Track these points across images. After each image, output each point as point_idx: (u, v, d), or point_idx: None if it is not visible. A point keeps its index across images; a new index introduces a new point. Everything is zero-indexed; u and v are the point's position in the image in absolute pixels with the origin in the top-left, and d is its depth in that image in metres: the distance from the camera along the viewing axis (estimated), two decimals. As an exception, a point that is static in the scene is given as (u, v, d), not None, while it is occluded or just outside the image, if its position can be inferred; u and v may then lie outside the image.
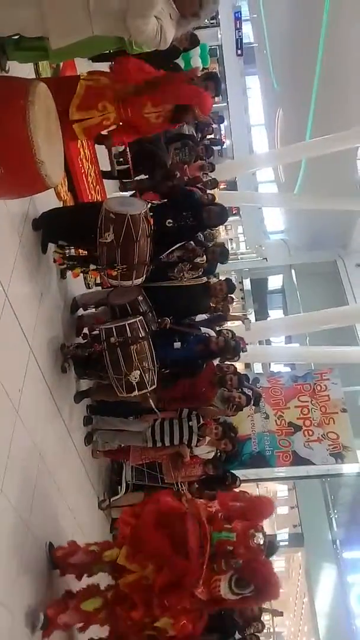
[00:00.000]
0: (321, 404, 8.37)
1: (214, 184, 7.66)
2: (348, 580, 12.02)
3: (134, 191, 6.63)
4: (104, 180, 6.34)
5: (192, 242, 4.75)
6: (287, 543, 13.97)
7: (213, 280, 5.43)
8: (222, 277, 6.62)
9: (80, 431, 5.23)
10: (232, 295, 5.42)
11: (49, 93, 3.08)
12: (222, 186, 15.97)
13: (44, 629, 3.41)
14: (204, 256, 4.80)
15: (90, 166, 5.76)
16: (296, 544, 13.55)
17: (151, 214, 4.42)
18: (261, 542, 3.50)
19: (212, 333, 5.39)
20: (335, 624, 11.76)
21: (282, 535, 14.41)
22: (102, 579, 3.87)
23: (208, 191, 6.93)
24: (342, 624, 11.66)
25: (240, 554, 3.46)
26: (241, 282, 16.98)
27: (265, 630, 7.27)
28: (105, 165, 5.88)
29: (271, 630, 11.96)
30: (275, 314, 18.46)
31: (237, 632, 5.41)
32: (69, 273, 4.91)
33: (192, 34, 5.81)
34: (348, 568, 12.22)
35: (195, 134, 8.04)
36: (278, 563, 16.12)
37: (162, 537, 3.51)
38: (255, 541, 3.49)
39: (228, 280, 5.18)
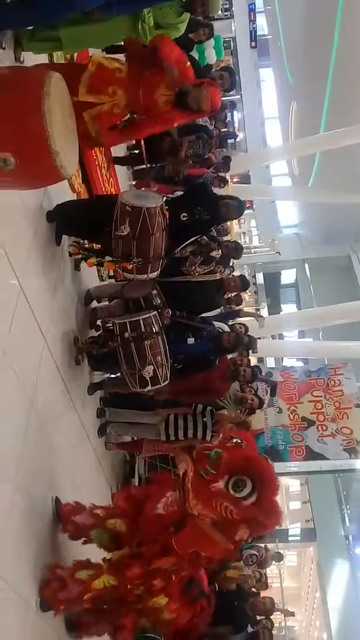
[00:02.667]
0: (335, 399, 8.32)
1: (227, 168, 7.62)
2: (360, 576, 12.00)
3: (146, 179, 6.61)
4: (116, 170, 6.33)
5: (205, 237, 4.72)
6: (299, 538, 13.96)
7: (226, 275, 5.41)
8: (236, 273, 6.63)
9: (93, 423, 5.24)
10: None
11: (64, 83, 3.06)
12: (235, 179, 15.91)
13: (45, 610, 3.32)
14: (219, 250, 4.77)
15: (104, 158, 5.74)
16: (308, 539, 13.54)
17: (166, 207, 4.39)
18: (239, 441, 3.35)
19: (226, 328, 5.37)
20: (347, 618, 11.74)
21: (294, 529, 14.40)
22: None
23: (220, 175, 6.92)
24: (354, 619, 11.65)
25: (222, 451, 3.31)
26: (254, 276, 16.92)
27: (276, 624, 7.31)
28: (117, 152, 5.83)
29: (282, 624, 11.95)
30: (288, 308, 18.38)
31: (249, 625, 5.43)
32: (83, 265, 4.91)
33: (209, 26, 5.74)
34: (360, 563, 12.20)
35: (209, 122, 8.00)
36: (290, 557, 16.15)
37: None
38: (233, 442, 3.37)
39: (242, 277, 5.16)
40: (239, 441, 3.31)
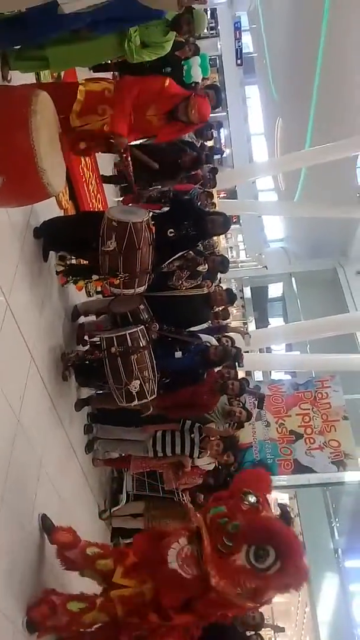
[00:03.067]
0: (322, 412, 8.35)
1: (214, 181, 7.70)
2: (350, 590, 11.93)
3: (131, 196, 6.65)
4: (104, 186, 6.38)
5: (191, 252, 4.75)
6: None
7: (213, 289, 5.44)
8: (222, 285, 6.67)
9: (81, 439, 5.22)
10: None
11: (51, 102, 3.10)
12: (222, 194, 16.04)
13: (32, 632, 3.23)
14: (205, 264, 4.81)
15: (91, 175, 5.79)
16: (298, 553, 13.46)
17: (152, 222, 4.43)
18: (254, 501, 3.10)
19: (213, 341, 5.39)
20: (337, 633, 11.65)
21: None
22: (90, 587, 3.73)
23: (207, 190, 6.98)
24: (345, 634, 11.57)
25: (237, 519, 3.07)
26: (241, 290, 17.00)
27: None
28: (104, 170, 5.89)
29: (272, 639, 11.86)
30: (275, 321, 18.46)
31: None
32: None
33: (194, 45, 5.84)
34: (350, 577, 12.13)
35: (195, 140, 8.09)
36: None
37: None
38: (247, 502, 3.10)
39: (228, 290, 5.19)
40: (254, 501, 3.10)
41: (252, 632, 5.16)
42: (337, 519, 12.98)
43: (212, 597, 2.98)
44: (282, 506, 3.41)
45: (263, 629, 5.53)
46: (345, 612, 11.57)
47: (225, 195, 18.07)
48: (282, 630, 6.14)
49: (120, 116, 3.88)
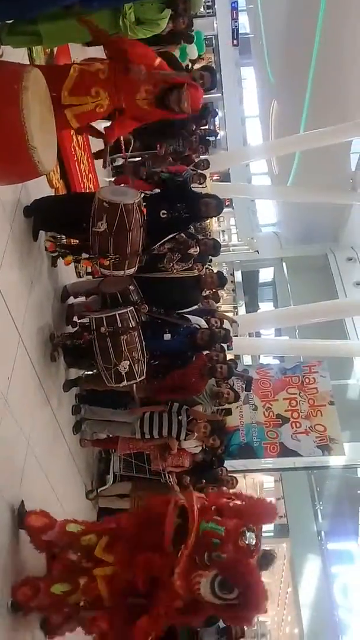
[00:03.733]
0: (309, 397, 8.42)
1: (206, 165, 7.64)
2: (332, 571, 12.17)
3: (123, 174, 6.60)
4: (95, 166, 6.31)
5: (183, 234, 4.73)
6: (272, 534, 14.09)
7: (204, 271, 5.43)
8: (213, 268, 6.65)
9: (69, 420, 5.22)
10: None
11: (43, 79, 3.05)
12: (215, 177, 15.94)
13: (16, 611, 3.26)
14: (197, 247, 4.79)
15: (83, 154, 5.72)
16: (281, 535, 13.67)
17: (144, 204, 4.40)
18: (252, 543, 3.12)
19: (203, 323, 5.39)
20: (318, 613, 11.90)
21: (268, 526, 14.53)
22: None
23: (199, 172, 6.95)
24: (325, 614, 11.82)
25: (227, 550, 3.09)
26: (232, 274, 16.99)
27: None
28: (97, 146, 5.80)
29: (255, 619, 12.08)
30: (265, 306, 18.50)
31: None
32: (60, 261, 4.89)
33: (189, 19, 5.74)
34: (332, 559, 12.37)
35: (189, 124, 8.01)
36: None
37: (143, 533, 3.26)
38: (245, 541, 3.11)
39: (219, 273, 5.19)
40: (252, 543, 3.11)
41: None
42: (320, 502, 13.19)
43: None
44: (266, 552, 3.40)
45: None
46: (327, 594, 11.80)
47: (218, 177, 17.97)
48: (265, 611, 6.26)
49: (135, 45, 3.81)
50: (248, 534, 3.11)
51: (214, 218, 7.74)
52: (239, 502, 3.43)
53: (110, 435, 5.61)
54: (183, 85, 4.01)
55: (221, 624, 5.69)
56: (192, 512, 3.18)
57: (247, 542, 3.10)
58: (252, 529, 3.14)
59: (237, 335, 8.65)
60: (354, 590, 11.64)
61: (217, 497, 3.53)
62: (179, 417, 5.15)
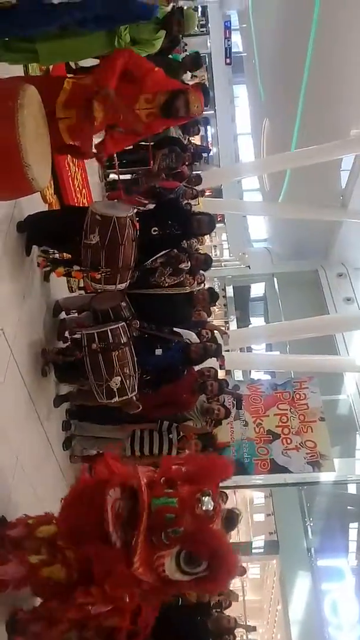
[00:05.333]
0: (300, 412, 8.44)
1: (199, 181, 7.71)
2: (322, 588, 12.06)
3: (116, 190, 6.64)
4: (89, 181, 6.36)
5: (175, 250, 4.76)
6: (262, 550, 14.01)
7: (195, 287, 5.46)
8: (206, 283, 6.69)
9: (58, 435, 5.20)
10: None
11: (39, 96, 3.08)
12: (207, 193, 16.04)
13: None
14: (188, 262, 4.82)
15: (76, 169, 5.76)
16: (271, 552, 13.58)
17: (137, 219, 4.43)
18: (210, 508, 2.82)
19: (194, 337, 5.40)
20: (308, 631, 11.78)
21: (258, 542, 14.44)
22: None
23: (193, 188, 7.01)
24: (315, 632, 11.70)
25: (184, 523, 2.79)
26: (224, 289, 17.02)
27: (238, 638, 7.31)
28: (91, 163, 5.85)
29: (244, 637, 11.95)
30: (256, 321, 18.53)
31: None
32: (52, 276, 4.90)
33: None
34: (322, 576, 12.26)
35: (182, 136, 8.10)
36: (253, 570, 16.18)
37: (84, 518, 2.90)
38: (203, 507, 2.80)
39: (211, 290, 5.22)
40: (210, 508, 2.82)
41: (225, 635, 5.21)
42: (311, 519, 13.12)
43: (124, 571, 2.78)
44: (230, 512, 3.21)
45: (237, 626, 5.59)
46: (317, 611, 11.70)
47: (210, 193, 18.08)
48: (254, 629, 6.21)
49: (109, 71, 3.76)
50: (204, 499, 2.82)
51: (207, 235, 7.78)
52: (190, 467, 3.12)
53: (101, 452, 5.59)
54: (187, 90, 4.06)
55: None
56: (141, 492, 2.86)
57: (204, 508, 2.81)
58: (207, 492, 2.85)
59: (228, 350, 8.69)
60: (344, 607, 11.56)
61: (166, 467, 3.15)
62: (170, 436, 5.14)
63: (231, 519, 3.17)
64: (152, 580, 2.76)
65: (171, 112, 4.02)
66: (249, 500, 15.60)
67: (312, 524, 13.09)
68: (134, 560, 2.72)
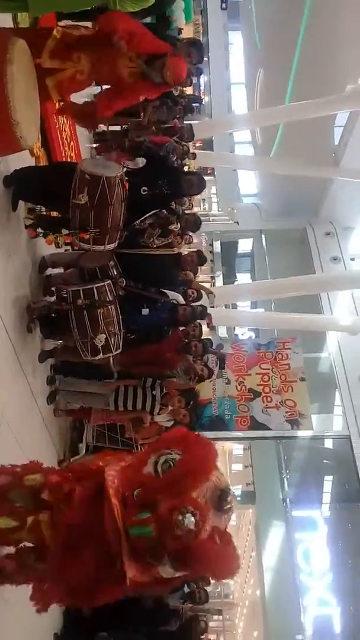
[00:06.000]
0: (281, 372, 8.59)
1: (190, 136, 7.55)
2: (295, 537, 12.55)
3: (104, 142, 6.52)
4: (77, 134, 6.20)
5: (164, 210, 4.72)
6: (239, 499, 14.48)
7: (183, 245, 5.45)
8: (194, 239, 6.64)
9: (43, 390, 5.26)
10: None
11: (28, 51, 2.99)
12: (198, 144, 15.73)
13: None
14: (177, 223, 4.80)
15: (65, 121, 5.62)
16: (248, 501, 14.06)
17: (126, 178, 4.37)
18: (192, 526, 2.49)
19: (180, 298, 5.42)
20: (280, 577, 12.32)
21: (236, 491, 14.92)
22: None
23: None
24: (287, 578, 12.23)
25: (169, 545, 2.55)
26: (211, 244, 16.92)
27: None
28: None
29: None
30: (242, 277, 18.53)
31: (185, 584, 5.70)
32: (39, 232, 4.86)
33: None
34: (296, 526, 12.73)
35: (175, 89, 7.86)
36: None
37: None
38: (183, 526, 2.48)
39: (199, 252, 5.20)
40: (192, 522, 2.51)
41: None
42: (287, 471, 13.50)
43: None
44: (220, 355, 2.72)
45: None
46: (289, 558, 12.20)
47: (201, 145, 17.74)
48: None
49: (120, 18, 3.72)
50: (183, 519, 2.49)
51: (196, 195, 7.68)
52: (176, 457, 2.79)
53: (84, 406, 5.68)
54: (165, 55, 3.95)
55: (186, 589, 5.92)
56: (114, 521, 2.62)
57: (185, 528, 2.49)
58: (187, 510, 2.52)
59: (213, 307, 8.73)
60: (316, 555, 12.06)
61: (136, 468, 2.86)
62: (153, 392, 5.23)
63: (224, 497, 2.74)
64: (148, 580, 2.67)
65: (152, 64, 3.93)
66: (228, 451, 16.00)
67: (288, 476, 13.49)
68: (126, 580, 2.60)
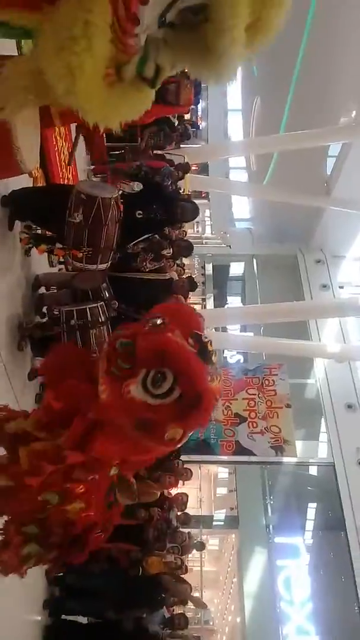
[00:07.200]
0: (267, 398, 8.66)
1: (186, 168, 7.71)
2: (277, 564, 12.47)
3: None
4: (75, 156, 6.31)
5: (157, 236, 4.82)
6: (222, 524, 14.40)
7: (175, 271, 5.53)
8: (186, 262, 6.72)
9: (31, 407, 5.26)
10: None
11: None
12: (193, 168, 15.94)
13: None
14: (170, 249, 4.89)
15: (63, 143, 5.72)
16: (231, 526, 13.97)
17: (121, 200, 4.46)
18: (158, 322, 2.52)
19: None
20: (261, 604, 12.19)
21: (219, 515, 14.84)
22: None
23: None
24: (268, 605, 12.12)
25: (136, 342, 2.50)
26: (203, 267, 17.08)
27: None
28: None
29: (198, 614, 12.36)
30: (233, 300, 18.65)
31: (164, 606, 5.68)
32: (33, 251, 4.92)
33: None
34: (278, 552, 12.66)
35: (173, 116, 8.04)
36: (212, 541, 16.62)
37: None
38: (152, 323, 2.53)
39: (190, 279, 5.29)
40: (159, 322, 2.52)
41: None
42: (271, 497, 13.47)
43: (106, 432, 2.52)
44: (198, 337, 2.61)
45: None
46: (270, 585, 12.12)
47: (196, 168, 17.97)
48: (205, 606, 6.54)
49: None
50: (153, 319, 2.55)
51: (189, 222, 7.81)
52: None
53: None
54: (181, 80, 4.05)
55: (166, 614, 5.89)
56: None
57: (153, 324, 2.52)
58: (155, 315, 2.57)
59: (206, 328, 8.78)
60: (297, 584, 11.98)
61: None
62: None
63: (202, 348, 2.56)
64: (125, 416, 2.44)
65: (162, 95, 4.04)
66: (213, 475, 15.95)
67: (272, 502, 13.45)
68: (100, 388, 2.49)
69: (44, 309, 5.11)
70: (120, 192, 4.61)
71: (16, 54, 3.98)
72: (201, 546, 7.68)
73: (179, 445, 2.58)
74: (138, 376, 2.42)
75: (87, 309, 4.50)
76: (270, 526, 13.12)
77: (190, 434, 2.56)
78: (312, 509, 14.01)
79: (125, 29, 1.81)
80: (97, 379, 2.55)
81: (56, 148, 5.47)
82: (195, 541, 7.05)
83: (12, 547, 2.64)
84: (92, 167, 7.49)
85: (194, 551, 8.35)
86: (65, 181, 5.80)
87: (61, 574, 5.49)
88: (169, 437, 2.41)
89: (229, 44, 1.80)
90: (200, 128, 20.98)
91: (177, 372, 2.42)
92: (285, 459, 9.38)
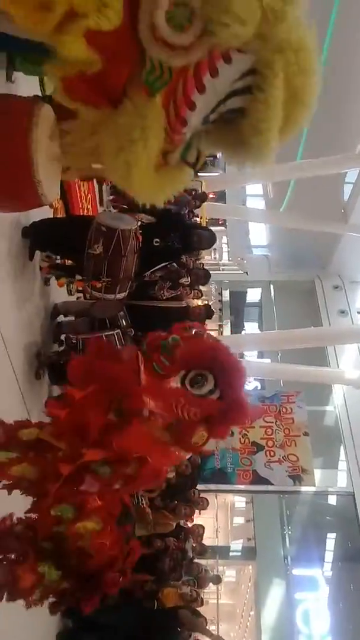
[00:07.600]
0: (285, 426, 8.56)
1: (203, 197, 7.79)
2: (295, 597, 12.19)
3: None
4: (94, 187, 6.42)
5: (174, 264, 4.86)
6: (239, 554, 14.14)
7: (192, 298, 5.55)
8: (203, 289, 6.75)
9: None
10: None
11: (53, 115, 3.14)
12: (211, 196, 16.09)
13: None
14: (188, 277, 4.92)
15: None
16: (248, 557, 13.71)
17: (140, 231, 4.52)
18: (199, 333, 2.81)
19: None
20: (279, 639, 11.91)
21: (236, 546, 14.57)
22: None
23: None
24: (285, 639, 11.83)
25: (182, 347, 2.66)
26: (220, 293, 17.11)
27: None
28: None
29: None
30: (250, 326, 18.61)
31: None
32: (52, 280, 4.99)
33: None
34: (296, 585, 12.38)
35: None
36: (229, 573, 16.32)
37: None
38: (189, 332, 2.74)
39: (207, 307, 5.31)
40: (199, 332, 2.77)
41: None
42: (289, 527, 13.23)
43: (131, 431, 2.51)
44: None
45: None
46: (289, 619, 11.83)
47: (214, 196, 18.12)
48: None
49: None
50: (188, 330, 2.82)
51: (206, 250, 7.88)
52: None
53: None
54: None
55: None
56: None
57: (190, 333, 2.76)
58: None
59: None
60: (316, 617, 11.68)
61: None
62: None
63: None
64: (169, 414, 2.50)
65: None
66: (230, 504, 15.72)
67: (290, 532, 13.20)
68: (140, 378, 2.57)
69: (62, 337, 5.15)
70: (139, 222, 4.67)
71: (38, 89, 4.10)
72: (217, 579, 7.54)
73: (197, 452, 2.70)
74: (177, 376, 2.58)
75: (104, 337, 4.53)
76: (289, 557, 12.85)
77: (208, 442, 2.65)
78: (331, 540, 13.72)
79: (175, 129, 2.07)
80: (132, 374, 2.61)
81: (76, 181, 5.56)
82: (211, 574, 6.93)
83: (28, 563, 2.65)
84: (111, 197, 7.60)
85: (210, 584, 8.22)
86: (85, 212, 5.89)
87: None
88: (195, 441, 2.54)
89: (264, 143, 2.05)
90: (218, 157, 21.20)
91: (221, 376, 2.55)
92: (304, 489, 9.22)
